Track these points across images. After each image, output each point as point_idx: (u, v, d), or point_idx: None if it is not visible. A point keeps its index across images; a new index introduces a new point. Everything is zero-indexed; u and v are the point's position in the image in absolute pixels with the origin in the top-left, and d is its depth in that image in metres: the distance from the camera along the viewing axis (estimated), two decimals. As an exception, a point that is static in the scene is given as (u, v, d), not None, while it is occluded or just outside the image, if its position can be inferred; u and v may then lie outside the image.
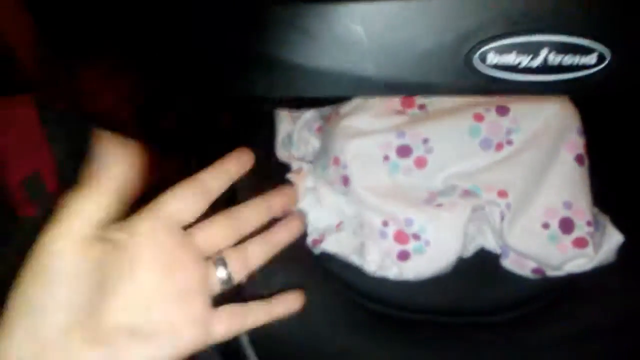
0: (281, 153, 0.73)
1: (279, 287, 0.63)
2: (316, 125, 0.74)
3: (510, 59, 0.36)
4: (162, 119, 0.73)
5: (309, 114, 0.75)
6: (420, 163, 0.66)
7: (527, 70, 0.36)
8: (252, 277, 0.63)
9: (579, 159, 0.64)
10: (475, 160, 0.66)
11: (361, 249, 0.65)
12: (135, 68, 0.62)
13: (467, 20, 0.35)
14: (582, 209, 0.63)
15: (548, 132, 0.65)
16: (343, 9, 0.37)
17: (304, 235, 0.66)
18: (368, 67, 0.37)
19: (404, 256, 0.63)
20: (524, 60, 0.36)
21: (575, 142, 0.65)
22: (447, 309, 0.64)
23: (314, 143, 0.73)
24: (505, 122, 0.66)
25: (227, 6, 0.40)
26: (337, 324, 0.63)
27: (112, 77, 0.72)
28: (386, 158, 0.66)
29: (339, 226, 0.67)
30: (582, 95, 0.38)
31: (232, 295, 0.64)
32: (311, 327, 0.62)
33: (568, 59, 0.35)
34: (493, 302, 0.64)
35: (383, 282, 0.64)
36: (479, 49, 0.36)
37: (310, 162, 0.72)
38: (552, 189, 0.63)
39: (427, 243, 0.63)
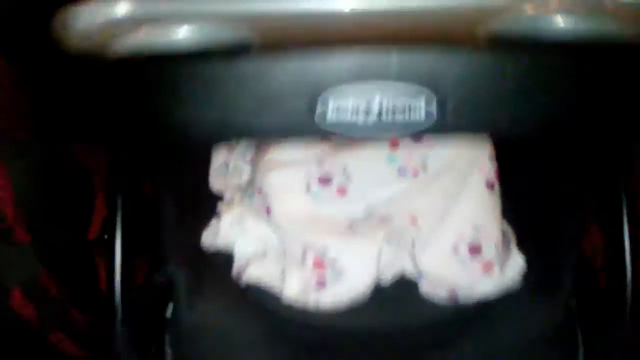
0: (215, 182, 0.76)
1: (204, 315, 0.66)
2: (249, 154, 0.77)
3: (349, 103, 0.38)
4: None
5: (243, 145, 0.78)
6: (341, 191, 0.69)
7: (366, 112, 0.39)
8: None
9: (489, 185, 0.67)
10: (393, 187, 0.68)
11: (282, 277, 0.67)
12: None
13: (311, 74, 0.39)
14: (491, 231, 0.65)
15: (461, 157, 0.68)
16: (217, 70, 0.41)
17: (230, 264, 0.69)
18: (238, 115, 0.41)
19: (321, 284, 0.66)
20: (361, 104, 0.38)
21: (486, 168, 0.67)
22: (366, 333, 0.66)
23: (248, 171, 0.76)
24: (419, 148, 0.68)
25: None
26: (259, 349, 0.65)
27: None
28: (308, 188, 0.69)
29: (263, 254, 0.69)
30: (418, 134, 0.41)
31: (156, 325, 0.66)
32: (235, 353, 0.64)
33: (400, 102, 0.38)
34: (410, 326, 0.66)
35: (304, 309, 0.66)
36: (321, 95, 0.39)
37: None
38: (462, 214, 0.65)
39: (343, 269, 0.65)
